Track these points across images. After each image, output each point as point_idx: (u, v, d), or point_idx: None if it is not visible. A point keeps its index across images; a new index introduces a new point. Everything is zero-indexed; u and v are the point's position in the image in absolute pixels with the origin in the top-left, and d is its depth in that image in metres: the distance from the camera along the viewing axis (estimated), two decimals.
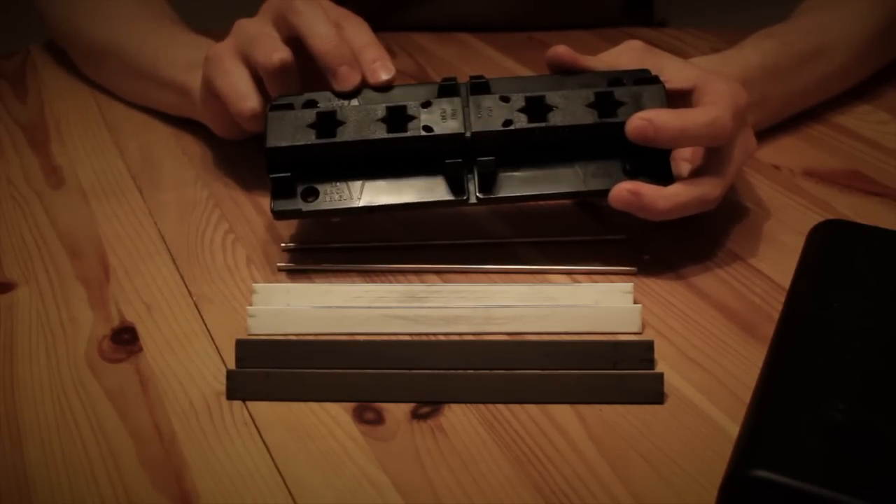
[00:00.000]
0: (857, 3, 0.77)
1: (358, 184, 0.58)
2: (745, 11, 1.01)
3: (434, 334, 0.55)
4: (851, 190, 0.68)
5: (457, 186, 0.58)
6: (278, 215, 0.58)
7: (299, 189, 0.58)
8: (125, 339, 0.56)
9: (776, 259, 0.60)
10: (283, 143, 0.57)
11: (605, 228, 0.64)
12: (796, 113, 0.75)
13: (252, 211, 0.67)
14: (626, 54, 0.62)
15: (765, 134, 0.72)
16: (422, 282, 0.59)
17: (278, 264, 0.61)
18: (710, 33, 0.93)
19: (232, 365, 0.53)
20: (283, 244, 0.63)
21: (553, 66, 0.61)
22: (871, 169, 0.70)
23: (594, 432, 0.48)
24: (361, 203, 0.58)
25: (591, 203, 0.67)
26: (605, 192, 0.56)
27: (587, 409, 0.50)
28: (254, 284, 0.58)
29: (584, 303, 0.56)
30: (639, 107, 0.56)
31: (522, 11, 0.96)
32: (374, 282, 0.60)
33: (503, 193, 0.58)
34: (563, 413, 0.49)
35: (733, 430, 0.47)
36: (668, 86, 0.58)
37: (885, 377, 0.44)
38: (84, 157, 0.75)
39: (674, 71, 0.60)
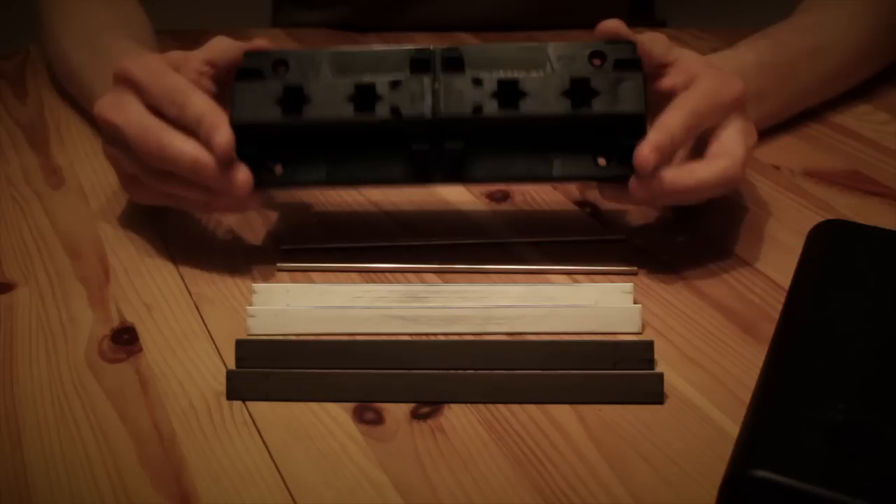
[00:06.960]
0: (855, 3, 0.77)
1: (324, 159, 0.58)
2: (745, 11, 1.01)
3: (434, 334, 0.55)
4: (851, 190, 0.68)
5: (421, 170, 0.58)
6: None
7: (265, 162, 0.58)
8: (125, 339, 0.56)
9: (776, 259, 0.60)
10: (248, 119, 0.57)
11: (604, 228, 0.64)
12: (797, 113, 0.75)
13: (252, 211, 0.67)
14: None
15: (765, 134, 0.72)
16: (422, 282, 0.59)
17: (278, 264, 0.61)
18: (710, 33, 0.93)
19: (232, 365, 0.53)
20: (282, 244, 0.63)
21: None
22: (871, 169, 0.70)
23: (594, 432, 0.48)
24: (326, 178, 0.58)
25: (591, 203, 0.67)
26: (575, 179, 0.58)
27: (587, 409, 0.50)
28: (254, 284, 0.58)
29: (584, 303, 0.56)
30: (615, 97, 0.56)
31: (522, 12, 0.96)
32: (374, 282, 0.60)
33: (469, 176, 0.57)
34: (563, 413, 0.49)
35: (733, 430, 0.47)
36: (667, 80, 0.58)
37: (885, 377, 0.44)
38: (84, 157, 0.75)
39: (684, 59, 0.59)
